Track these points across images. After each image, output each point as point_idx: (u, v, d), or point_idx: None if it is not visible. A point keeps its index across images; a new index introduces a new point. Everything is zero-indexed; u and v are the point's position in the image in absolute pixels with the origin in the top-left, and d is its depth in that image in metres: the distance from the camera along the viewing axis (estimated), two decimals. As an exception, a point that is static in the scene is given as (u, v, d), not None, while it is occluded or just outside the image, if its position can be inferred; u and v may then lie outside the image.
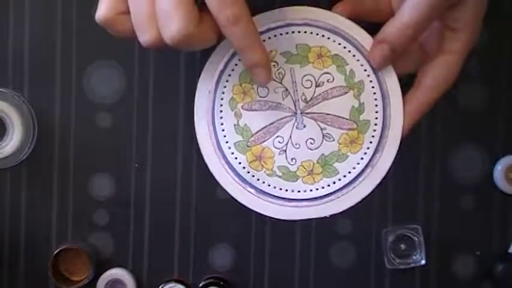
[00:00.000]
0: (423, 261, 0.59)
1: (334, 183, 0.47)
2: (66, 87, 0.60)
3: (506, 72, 0.60)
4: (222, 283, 0.59)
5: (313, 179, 0.47)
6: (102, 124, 0.60)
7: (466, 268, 0.61)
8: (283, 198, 0.47)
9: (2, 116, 0.59)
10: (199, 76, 0.47)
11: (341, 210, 0.47)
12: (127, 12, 0.42)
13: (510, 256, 0.60)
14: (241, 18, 0.40)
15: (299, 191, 0.47)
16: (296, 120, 0.47)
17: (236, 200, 0.47)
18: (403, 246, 0.60)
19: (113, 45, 0.59)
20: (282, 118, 0.47)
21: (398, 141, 0.46)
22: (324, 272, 0.61)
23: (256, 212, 0.47)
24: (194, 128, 0.47)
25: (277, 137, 0.47)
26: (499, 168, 0.60)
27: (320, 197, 0.47)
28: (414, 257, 0.59)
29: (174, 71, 0.60)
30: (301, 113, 0.47)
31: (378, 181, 0.47)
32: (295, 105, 0.47)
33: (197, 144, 0.47)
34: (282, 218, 0.47)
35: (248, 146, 0.47)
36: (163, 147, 0.60)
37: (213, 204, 0.60)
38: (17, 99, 0.59)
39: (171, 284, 0.59)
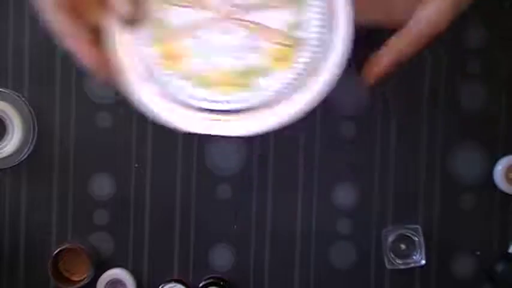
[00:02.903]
0: (423, 261, 0.59)
1: (253, 98, 0.41)
2: (66, 87, 0.60)
3: (506, 72, 0.60)
4: (222, 283, 0.59)
5: (230, 89, 0.41)
6: (102, 124, 0.60)
7: (466, 268, 0.61)
8: (193, 107, 0.41)
9: (2, 116, 0.59)
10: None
11: (256, 130, 0.41)
12: None
13: (510, 256, 0.60)
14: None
15: (212, 101, 0.41)
16: (222, 23, 0.41)
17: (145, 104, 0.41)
18: (403, 246, 0.60)
19: (113, 45, 0.59)
20: (207, 19, 0.41)
21: (336, 68, 0.40)
22: (324, 272, 0.61)
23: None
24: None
25: (198, 38, 0.41)
26: (499, 168, 0.60)
27: (234, 110, 0.41)
28: (414, 257, 0.59)
29: (174, 71, 0.60)
30: (230, 18, 0.41)
31: (303, 107, 0.41)
32: (224, 7, 0.41)
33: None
34: (180, 126, 0.41)
35: (163, 41, 0.41)
36: (164, 147, 0.60)
37: (213, 204, 0.60)
38: (17, 99, 0.59)
39: (171, 284, 0.59)
